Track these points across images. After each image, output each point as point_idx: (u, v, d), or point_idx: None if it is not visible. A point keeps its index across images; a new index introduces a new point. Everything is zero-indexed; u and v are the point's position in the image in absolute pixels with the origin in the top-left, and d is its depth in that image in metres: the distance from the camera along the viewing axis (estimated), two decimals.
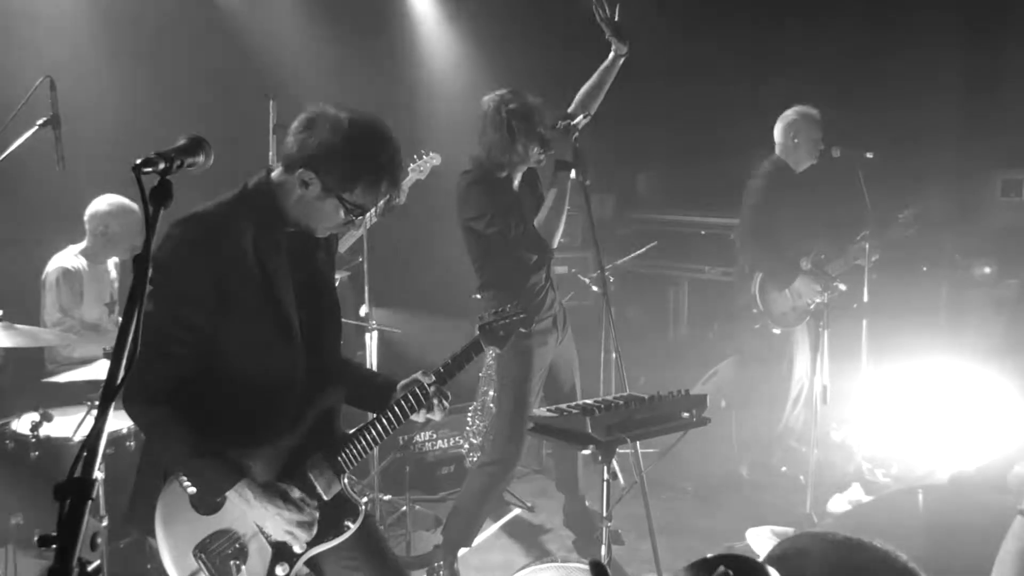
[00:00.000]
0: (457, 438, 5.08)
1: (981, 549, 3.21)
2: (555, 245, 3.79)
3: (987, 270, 6.51)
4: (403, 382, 2.64)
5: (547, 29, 7.09)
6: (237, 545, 2.41)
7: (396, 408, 2.55)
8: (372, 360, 4.32)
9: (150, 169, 1.51)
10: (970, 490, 3.60)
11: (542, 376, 3.92)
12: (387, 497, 4.53)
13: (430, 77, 7.16)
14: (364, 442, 2.54)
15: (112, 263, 4.55)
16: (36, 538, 1.25)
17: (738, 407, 5.50)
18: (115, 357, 1.35)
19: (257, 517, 2.35)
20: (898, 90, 6.58)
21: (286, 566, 2.44)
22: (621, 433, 2.51)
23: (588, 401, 2.68)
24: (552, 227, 3.74)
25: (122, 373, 1.33)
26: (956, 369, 5.02)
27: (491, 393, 4.89)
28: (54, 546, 1.21)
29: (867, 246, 4.95)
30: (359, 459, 2.53)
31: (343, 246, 5.33)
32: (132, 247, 4.35)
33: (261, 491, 2.31)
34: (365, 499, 2.66)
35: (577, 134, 3.56)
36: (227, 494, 2.30)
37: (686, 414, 2.66)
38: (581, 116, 3.59)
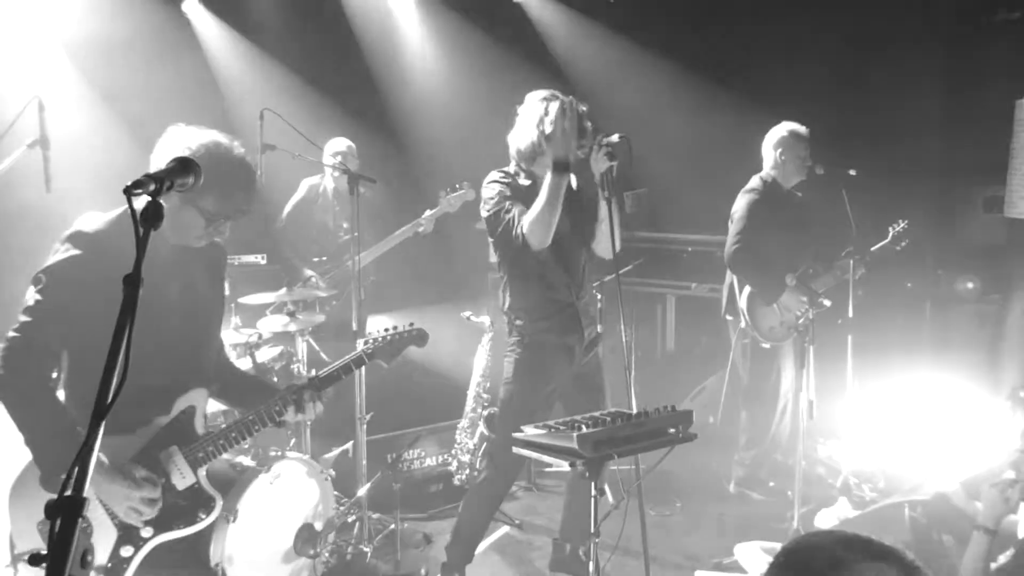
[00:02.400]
0: (445, 456, 5.08)
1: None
2: (540, 244, 3.49)
3: (970, 286, 6.57)
4: (283, 389, 2.93)
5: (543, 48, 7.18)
6: (81, 524, 2.49)
7: (265, 409, 2.83)
8: (361, 371, 4.33)
9: (140, 191, 1.53)
10: (955, 504, 3.63)
11: (549, 394, 3.76)
12: (375, 516, 4.52)
13: (422, 97, 7.22)
14: (226, 439, 2.77)
15: None
16: (27, 556, 1.26)
17: (725, 422, 5.53)
18: (105, 374, 1.37)
19: (100, 493, 2.52)
20: (881, 108, 6.66)
21: (131, 548, 2.59)
22: (608, 449, 2.53)
23: (576, 417, 2.70)
24: (539, 220, 3.45)
25: (112, 390, 1.35)
26: (941, 384, 5.06)
27: (480, 411, 4.90)
28: (44, 564, 1.23)
29: (852, 262, 4.99)
30: (218, 454, 2.77)
31: (365, 259, 5.38)
32: None
33: (105, 468, 2.50)
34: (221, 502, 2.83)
35: (607, 151, 3.46)
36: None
37: (673, 430, 2.68)
38: (616, 136, 3.49)
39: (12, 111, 3.68)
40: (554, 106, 3.56)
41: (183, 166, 1.69)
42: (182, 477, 2.68)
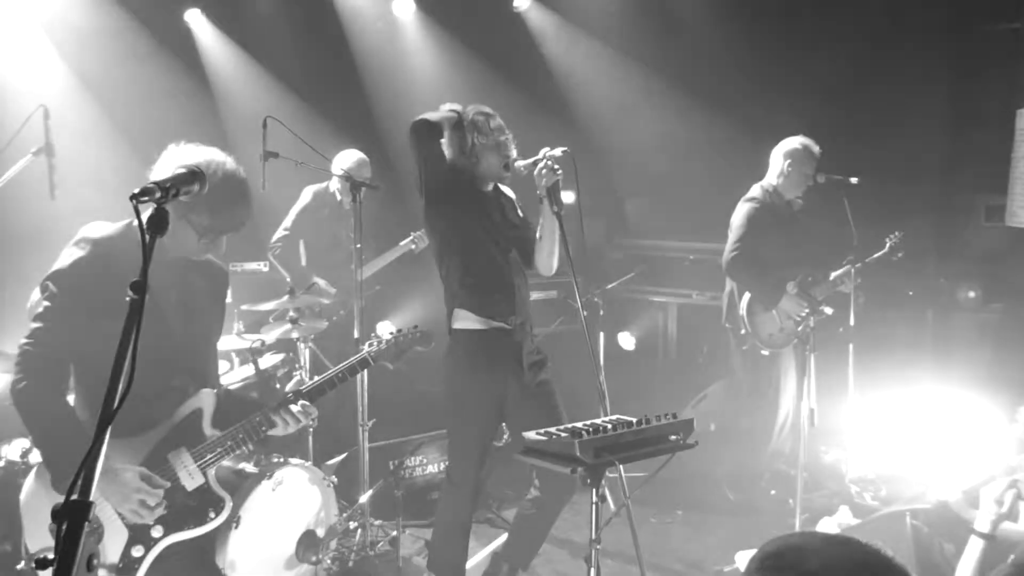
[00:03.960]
0: (447, 462, 5.08)
1: None
2: (551, 272, 3.78)
3: (972, 294, 6.58)
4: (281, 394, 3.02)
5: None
6: (93, 524, 2.52)
7: (271, 409, 2.87)
8: (364, 378, 4.35)
9: (147, 198, 1.55)
10: (957, 512, 3.63)
11: (493, 413, 3.74)
12: (377, 522, 4.53)
13: (417, 103, 7.23)
14: (233, 440, 2.81)
15: None
16: (33, 560, 1.27)
17: (727, 430, 5.53)
18: (112, 379, 1.38)
19: (105, 493, 2.55)
20: (884, 118, 6.67)
21: (141, 548, 2.63)
22: (609, 456, 2.53)
23: (577, 424, 2.70)
24: (550, 258, 3.74)
25: (119, 396, 1.36)
26: (943, 392, 5.06)
27: None
28: (50, 568, 1.24)
29: (852, 270, 5.01)
30: (226, 455, 2.81)
31: (366, 273, 5.41)
32: None
33: (110, 469, 2.54)
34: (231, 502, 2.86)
35: (550, 165, 3.48)
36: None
37: (673, 437, 2.68)
38: (560, 149, 3.51)
39: (17, 119, 3.70)
40: (485, 123, 3.66)
41: (190, 174, 1.71)
42: (191, 477, 2.71)
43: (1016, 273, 5.99)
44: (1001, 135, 5.35)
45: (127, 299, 1.45)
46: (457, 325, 3.74)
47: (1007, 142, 5.29)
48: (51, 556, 1.25)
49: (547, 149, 3.53)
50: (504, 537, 4.67)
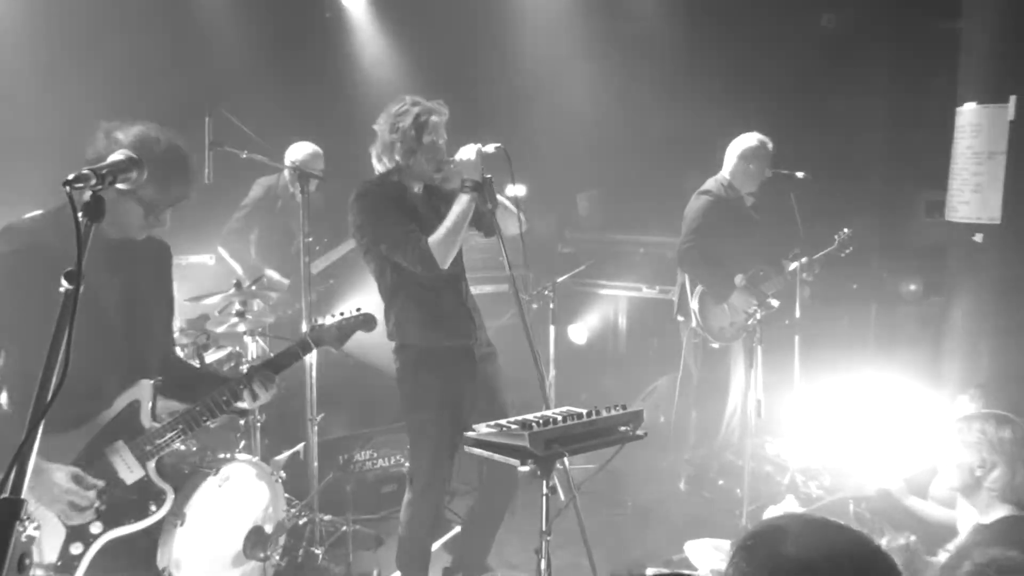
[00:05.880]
0: (398, 456, 5.05)
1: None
2: (444, 265, 3.47)
3: (913, 288, 6.74)
4: (231, 379, 2.91)
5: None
6: (30, 522, 2.51)
7: (212, 399, 2.80)
8: (312, 372, 4.30)
9: (82, 185, 1.50)
10: (898, 499, 3.72)
11: (452, 407, 3.63)
12: (327, 517, 4.48)
13: (369, 95, 7.16)
14: (174, 431, 2.74)
15: None
16: None
17: (676, 422, 5.59)
18: (45, 372, 1.34)
19: (35, 492, 2.47)
20: (829, 116, 6.79)
21: (80, 545, 2.57)
22: (560, 447, 2.54)
23: (528, 416, 2.70)
24: (445, 246, 3.45)
25: (52, 389, 1.32)
26: (885, 383, 5.17)
27: None
28: None
29: (798, 263, 5.09)
30: (166, 447, 2.74)
31: (315, 268, 5.35)
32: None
33: (40, 468, 2.44)
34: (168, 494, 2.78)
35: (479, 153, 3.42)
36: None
37: (623, 428, 2.69)
38: (493, 145, 3.45)
39: None
40: (423, 120, 3.53)
41: (128, 161, 1.66)
42: (129, 471, 2.65)
43: (956, 267, 6.13)
44: (941, 132, 5.47)
45: (61, 290, 1.40)
46: (406, 342, 3.66)
47: (947, 139, 5.40)
48: None
49: (479, 145, 3.46)
50: (456, 529, 4.66)
